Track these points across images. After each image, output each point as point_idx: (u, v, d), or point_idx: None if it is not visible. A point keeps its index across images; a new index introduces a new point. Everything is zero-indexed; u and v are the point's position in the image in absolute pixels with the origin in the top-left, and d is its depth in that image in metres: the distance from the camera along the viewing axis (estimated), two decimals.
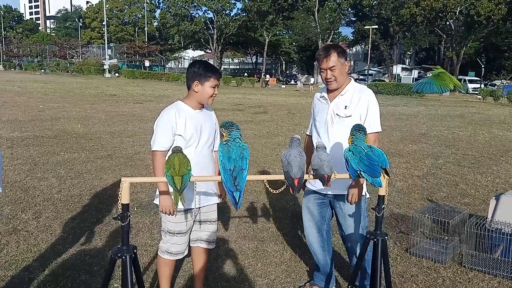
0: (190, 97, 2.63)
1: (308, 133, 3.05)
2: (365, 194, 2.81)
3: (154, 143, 2.55)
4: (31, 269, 3.22)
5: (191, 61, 2.87)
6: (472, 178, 6.60)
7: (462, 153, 8.64)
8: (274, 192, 2.34)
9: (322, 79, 2.70)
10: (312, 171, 2.16)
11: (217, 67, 2.78)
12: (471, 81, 42.27)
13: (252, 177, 2.26)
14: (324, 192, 2.80)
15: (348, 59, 2.69)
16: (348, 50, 63.55)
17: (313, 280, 3.10)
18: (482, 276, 3.37)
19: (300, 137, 2.23)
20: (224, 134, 2.11)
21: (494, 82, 44.72)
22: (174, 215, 2.57)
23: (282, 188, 2.41)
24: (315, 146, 2.22)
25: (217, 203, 2.82)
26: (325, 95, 2.78)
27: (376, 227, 2.25)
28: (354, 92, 2.71)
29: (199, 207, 2.67)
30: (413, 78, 41.54)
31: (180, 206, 2.55)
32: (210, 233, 2.77)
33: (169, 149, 2.54)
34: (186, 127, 2.54)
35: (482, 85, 39.90)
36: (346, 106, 2.68)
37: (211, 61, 62.30)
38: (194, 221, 2.71)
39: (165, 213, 2.56)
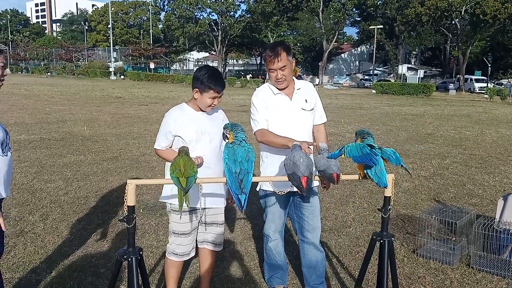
0: (192, 100, 2.65)
1: (265, 127, 2.71)
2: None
3: (156, 141, 2.66)
4: (38, 271, 3.24)
5: (199, 66, 2.87)
6: (480, 178, 6.55)
7: (469, 153, 8.58)
8: (280, 193, 2.33)
9: (271, 78, 2.70)
10: (317, 173, 2.15)
11: (223, 77, 2.65)
12: (477, 80, 41.99)
13: (257, 179, 2.26)
14: (292, 190, 2.65)
15: (293, 56, 2.72)
16: (353, 50, 63.43)
17: (280, 285, 3.01)
18: (490, 277, 3.34)
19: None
20: (229, 136, 2.10)
21: (501, 81, 44.40)
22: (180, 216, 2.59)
23: (288, 190, 2.41)
24: (318, 149, 2.22)
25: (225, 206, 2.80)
26: (280, 91, 2.74)
27: (382, 228, 2.24)
28: (305, 86, 2.85)
29: (204, 208, 2.66)
30: (419, 77, 41.33)
31: (185, 207, 2.56)
32: (217, 235, 2.77)
33: (167, 148, 2.62)
34: (186, 129, 2.56)
35: (489, 84, 39.63)
36: (306, 100, 2.78)
37: (215, 63, 62.34)
38: (199, 222, 2.70)
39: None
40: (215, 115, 2.72)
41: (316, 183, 2.75)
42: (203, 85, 2.53)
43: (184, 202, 2.04)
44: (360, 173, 2.14)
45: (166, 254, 2.74)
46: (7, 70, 2.25)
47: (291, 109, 2.73)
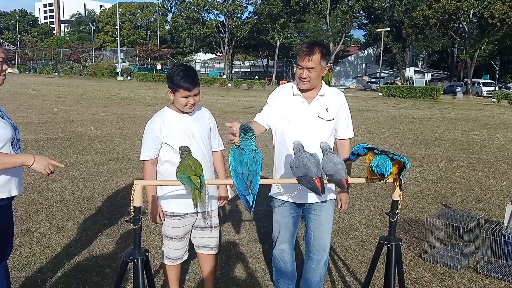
0: (173, 102, 2.55)
1: (260, 122, 2.67)
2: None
3: (141, 152, 2.56)
4: (43, 270, 3.25)
5: (172, 66, 2.78)
6: (487, 182, 6.49)
7: (477, 157, 8.51)
8: (287, 195, 2.32)
9: (296, 74, 2.54)
10: (325, 176, 2.13)
11: (195, 74, 2.48)
12: (485, 84, 41.71)
13: (264, 181, 2.24)
14: (302, 202, 2.64)
15: (328, 63, 2.54)
16: (360, 52, 63.28)
17: None
18: (498, 283, 3.30)
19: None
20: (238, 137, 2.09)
21: (509, 85, 44.06)
22: (161, 221, 2.58)
23: (295, 192, 2.39)
24: (320, 148, 2.16)
25: (219, 208, 2.78)
26: (300, 93, 2.58)
27: (389, 232, 2.21)
28: (332, 94, 2.64)
29: (199, 212, 2.61)
30: (426, 81, 41.12)
31: (180, 212, 2.54)
32: (212, 239, 2.72)
33: (155, 158, 2.53)
34: (172, 134, 2.47)
35: (497, 88, 39.35)
36: (327, 109, 2.58)
37: (221, 64, 62.16)
38: (193, 226, 2.66)
39: (153, 221, 2.60)
40: (200, 115, 2.62)
41: (332, 195, 2.66)
42: (173, 85, 2.41)
43: (199, 202, 2.02)
44: (367, 176, 2.12)
45: (161, 258, 2.73)
46: (15, 70, 2.26)
47: (306, 114, 2.56)
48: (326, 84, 2.72)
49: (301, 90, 2.58)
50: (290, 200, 2.64)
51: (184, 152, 2.08)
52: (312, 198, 2.60)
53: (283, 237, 2.76)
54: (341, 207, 2.71)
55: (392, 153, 2.01)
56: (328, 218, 2.68)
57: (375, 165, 1.99)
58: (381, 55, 48.16)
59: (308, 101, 2.58)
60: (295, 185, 2.10)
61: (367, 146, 2.08)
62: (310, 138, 2.50)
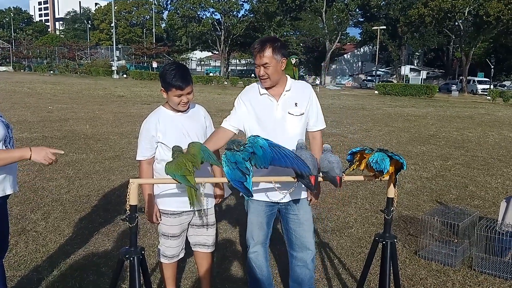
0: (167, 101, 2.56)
1: (226, 127, 2.58)
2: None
3: (137, 153, 2.56)
4: (39, 269, 3.25)
5: (165, 64, 2.77)
6: (482, 180, 6.53)
7: (472, 155, 8.56)
8: (283, 193, 2.33)
9: (256, 74, 2.51)
10: (321, 174, 2.15)
11: (187, 73, 2.46)
12: (480, 82, 41.90)
13: (260, 179, 2.25)
14: (277, 201, 2.55)
15: (286, 56, 2.46)
16: (356, 51, 63.34)
17: None
18: (492, 279, 3.33)
19: (304, 141, 2.22)
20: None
21: (503, 83, 44.27)
22: (158, 221, 2.58)
23: (292, 189, 2.40)
24: (323, 150, 2.21)
25: (216, 207, 2.78)
26: (266, 92, 2.53)
27: (384, 229, 2.23)
28: (299, 88, 2.58)
29: (195, 210, 2.61)
30: (421, 79, 41.22)
31: (176, 209, 2.55)
32: (208, 237, 2.73)
33: (151, 158, 2.53)
34: (167, 133, 2.47)
35: (492, 86, 39.53)
36: (296, 104, 2.52)
37: (218, 62, 61.85)
38: (189, 224, 2.67)
39: (149, 221, 2.61)
40: (195, 113, 2.62)
41: (304, 194, 2.60)
42: (165, 84, 2.41)
43: (195, 201, 2.02)
44: (361, 167, 2.13)
45: (158, 256, 2.73)
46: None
47: (275, 112, 2.51)
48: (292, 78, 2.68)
49: (267, 88, 2.53)
50: (265, 198, 2.57)
51: (176, 152, 2.09)
52: (291, 195, 2.52)
53: (258, 237, 2.66)
54: (311, 200, 2.62)
55: (392, 153, 2.02)
56: (307, 217, 2.63)
57: (373, 161, 2.00)
58: (377, 53, 48.24)
59: (276, 98, 2.52)
60: (291, 183, 2.12)
61: (358, 148, 2.11)
62: (284, 136, 2.45)
